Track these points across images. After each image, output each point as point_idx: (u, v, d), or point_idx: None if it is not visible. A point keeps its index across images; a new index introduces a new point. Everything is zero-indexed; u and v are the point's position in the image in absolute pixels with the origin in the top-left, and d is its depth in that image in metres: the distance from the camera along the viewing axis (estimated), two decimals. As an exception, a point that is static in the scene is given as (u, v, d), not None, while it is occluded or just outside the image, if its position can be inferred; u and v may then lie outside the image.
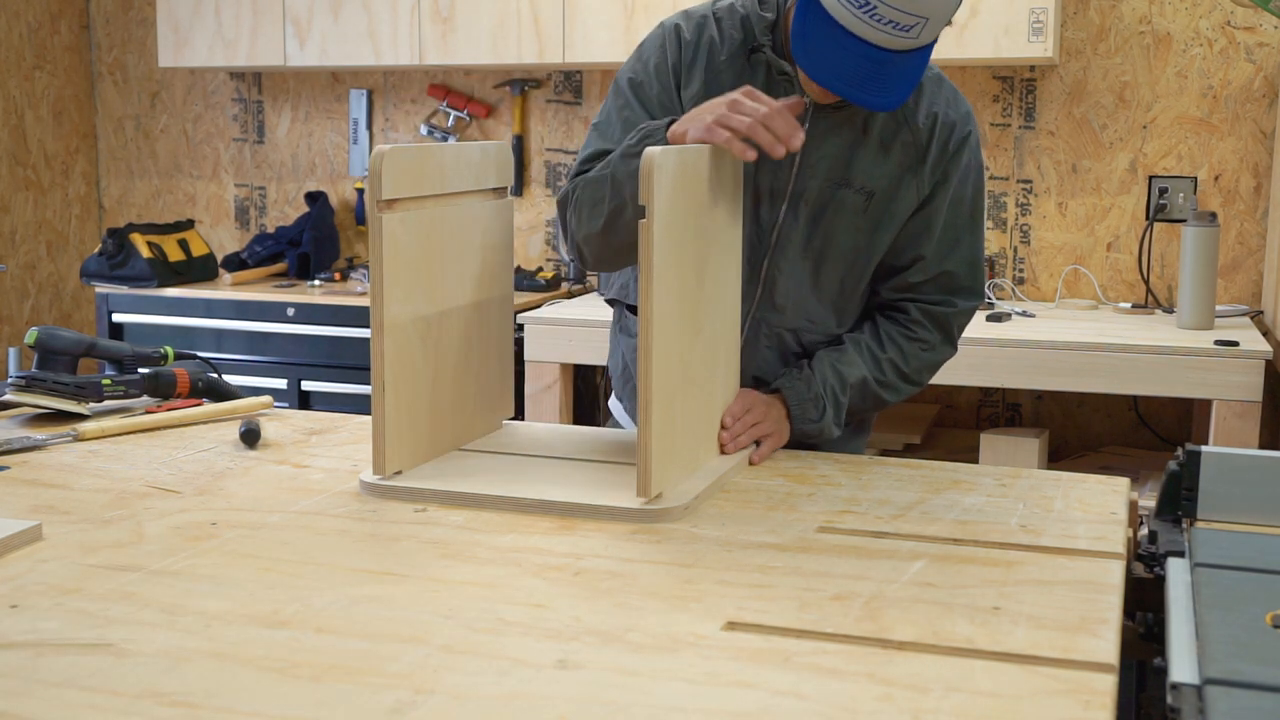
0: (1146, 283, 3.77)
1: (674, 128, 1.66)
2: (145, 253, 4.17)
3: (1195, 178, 3.73)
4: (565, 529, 1.51)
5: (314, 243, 4.39)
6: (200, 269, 4.35)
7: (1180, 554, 1.42)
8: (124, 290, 4.19)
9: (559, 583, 1.33)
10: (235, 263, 4.40)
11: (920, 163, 1.85)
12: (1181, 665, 1.10)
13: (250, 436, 1.87)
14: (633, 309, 1.98)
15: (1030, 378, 3.23)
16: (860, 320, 1.96)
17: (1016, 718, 1.03)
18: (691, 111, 1.67)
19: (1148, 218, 3.78)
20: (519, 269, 4.20)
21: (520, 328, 3.55)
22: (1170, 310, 3.63)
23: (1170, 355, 3.12)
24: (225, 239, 4.80)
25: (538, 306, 3.77)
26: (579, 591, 1.30)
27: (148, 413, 2.02)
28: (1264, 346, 3.11)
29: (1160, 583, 1.38)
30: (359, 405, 3.76)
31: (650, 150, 1.48)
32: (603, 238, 1.77)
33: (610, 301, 2.07)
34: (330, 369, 3.99)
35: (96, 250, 4.23)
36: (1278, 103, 3.64)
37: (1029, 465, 3.37)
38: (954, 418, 4.00)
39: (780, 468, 1.78)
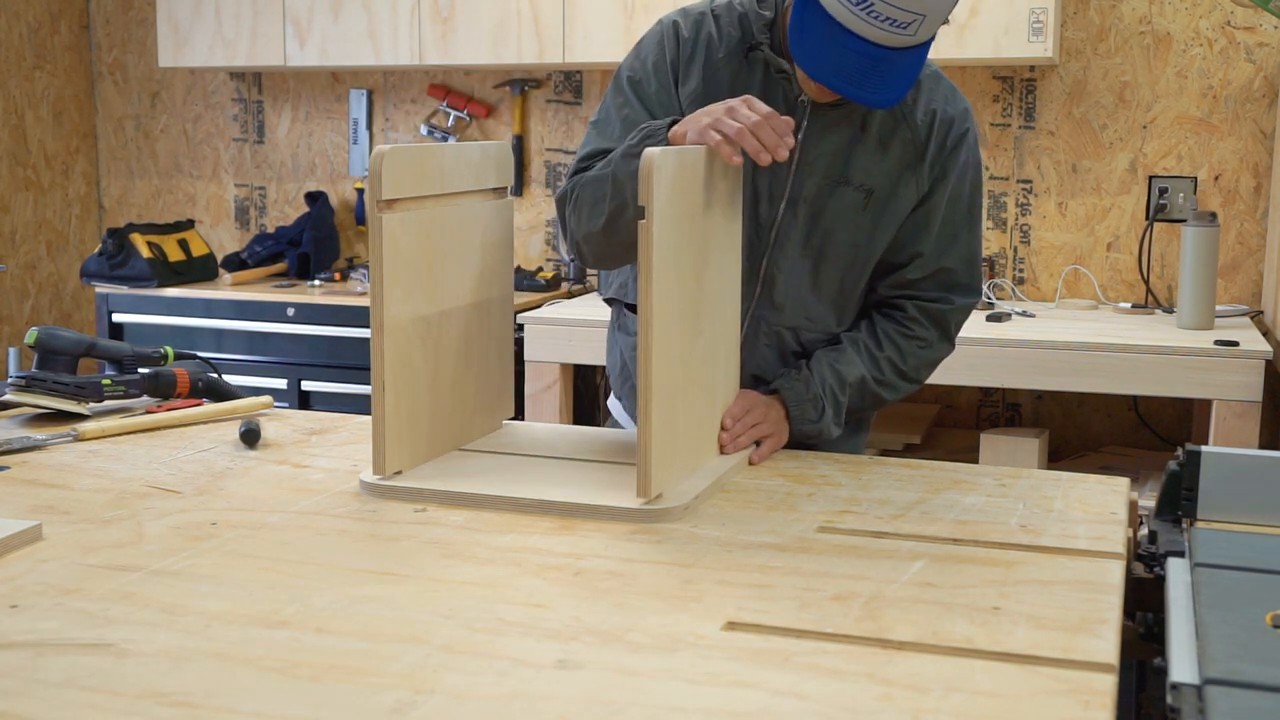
0: (1146, 283, 3.77)
1: (675, 129, 1.66)
2: (145, 253, 4.17)
3: (1195, 178, 3.73)
4: (565, 529, 1.51)
5: (314, 243, 4.39)
6: (200, 269, 4.34)
7: (1180, 554, 1.42)
8: (124, 290, 4.19)
9: (559, 583, 1.33)
10: (235, 263, 4.40)
11: (919, 159, 1.85)
12: (1181, 665, 1.10)
13: (250, 436, 1.87)
14: (631, 308, 1.99)
15: (1030, 378, 3.23)
16: (858, 319, 1.96)
17: (1016, 718, 1.03)
18: (692, 113, 1.67)
19: (1148, 218, 3.78)
20: (519, 269, 4.20)
21: (520, 328, 3.55)
22: (1170, 310, 3.63)
23: (1170, 355, 3.12)
24: (225, 239, 4.80)
25: (538, 306, 3.77)
26: (579, 591, 1.30)
27: (148, 413, 2.02)
28: (1264, 346, 3.11)
29: (1160, 583, 1.38)
30: (359, 405, 3.76)
31: (650, 151, 1.48)
32: (604, 236, 1.77)
33: (608, 301, 2.07)
34: (330, 369, 3.99)
35: (96, 250, 4.23)
36: (1278, 103, 3.64)
37: (1029, 465, 3.37)
38: (954, 418, 4.00)
39: (780, 468, 1.78)
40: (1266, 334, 3.38)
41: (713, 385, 1.74)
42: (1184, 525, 1.54)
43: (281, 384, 4.02)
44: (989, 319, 3.46)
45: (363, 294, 4.04)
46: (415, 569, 1.37)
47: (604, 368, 2.14)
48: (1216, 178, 3.73)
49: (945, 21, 1.71)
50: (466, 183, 1.78)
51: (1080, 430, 3.91)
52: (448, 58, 4.04)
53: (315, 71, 4.55)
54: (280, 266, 4.44)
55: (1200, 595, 1.27)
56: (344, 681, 1.08)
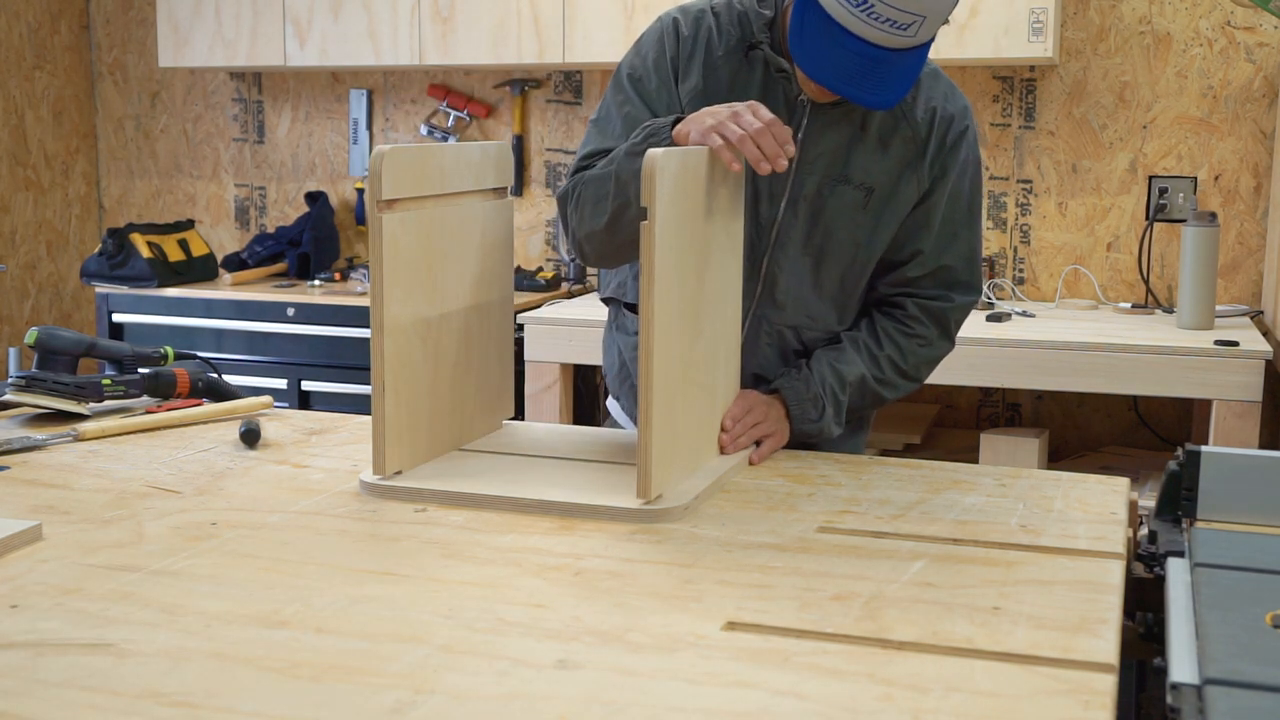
0: (1146, 283, 3.77)
1: (679, 128, 1.66)
2: (145, 253, 4.17)
3: (1195, 178, 3.73)
4: (565, 529, 1.51)
5: (314, 243, 4.39)
6: (200, 269, 4.34)
7: (1180, 554, 1.42)
8: (124, 290, 4.19)
9: (559, 583, 1.33)
10: (235, 263, 4.40)
11: (920, 157, 1.85)
12: (1181, 665, 1.10)
13: (250, 436, 1.87)
14: (630, 307, 1.99)
15: (1030, 378, 3.23)
16: (858, 318, 1.96)
17: (1016, 718, 1.03)
18: (697, 113, 1.67)
19: (1148, 218, 3.78)
20: (519, 269, 4.20)
21: (520, 328, 3.55)
22: (1170, 310, 3.63)
23: (1170, 355, 3.12)
24: (225, 239, 4.80)
25: (538, 306, 3.77)
26: (579, 591, 1.30)
27: (148, 413, 2.02)
28: (1264, 346, 3.11)
29: (1160, 583, 1.38)
30: (359, 405, 3.76)
31: (652, 151, 1.48)
32: (606, 235, 1.77)
33: (606, 301, 2.07)
34: (330, 369, 3.99)
35: (96, 250, 4.23)
36: (1278, 103, 3.64)
37: (1029, 465, 3.37)
38: (954, 418, 4.00)
39: (780, 468, 1.78)
40: (1266, 334, 3.38)
41: (713, 386, 1.74)
42: (1184, 525, 1.54)
43: (281, 384, 4.02)
44: (989, 319, 3.46)
45: (363, 294, 4.04)
46: (415, 569, 1.37)
47: (602, 367, 2.13)
48: (1216, 178, 3.73)
49: (945, 22, 1.71)
50: (466, 183, 1.78)
51: (1080, 430, 3.91)
52: (448, 58, 4.04)
53: (315, 71, 4.55)
54: (280, 266, 4.44)
55: (1200, 595, 1.27)
56: (344, 681, 1.08)
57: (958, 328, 1.96)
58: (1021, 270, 3.93)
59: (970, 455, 3.49)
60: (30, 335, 2.16)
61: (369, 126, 4.56)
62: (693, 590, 1.31)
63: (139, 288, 4.17)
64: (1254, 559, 1.39)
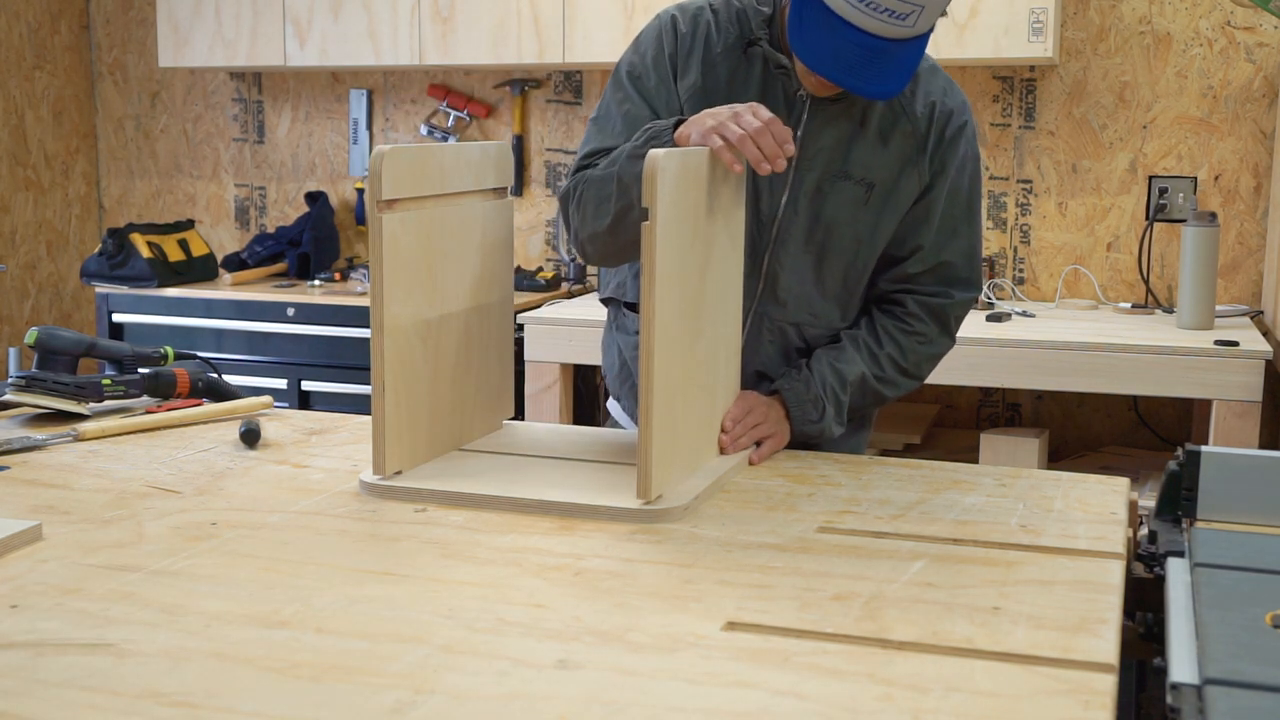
0: (1146, 283, 3.77)
1: (680, 130, 1.66)
2: (145, 253, 4.17)
3: (1195, 178, 3.73)
4: (565, 529, 1.51)
5: (314, 243, 4.39)
6: (200, 269, 4.34)
7: (1180, 554, 1.42)
8: (124, 290, 4.19)
9: (559, 583, 1.33)
10: (235, 263, 4.40)
11: (920, 151, 1.86)
12: (1181, 665, 1.10)
13: (250, 436, 1.87)
14: (630, 306, 1.99)
15: (1030, 378, 3.23)
16: (857, 316, 1.96)
17: (1016, 718, 1.03)
18: (698, 114, 1.67)
19: (1148, 218, 3.78)
20: (519, 269, 4.20)
21: (520, 328, 3.55)
22: (1170, 310, 3.63)
23: (1170, 355, 3.12)
24: (225, 239, 4.80)
25: (538, 306, 3.77)
26: (579, 591, 1.30)
27: (148, 413, 2.02)
28: (1264, 346, 3.11)
29: (1160, 583, 1.38)
30: (359, 405, 3.76)
31: (653, 152, 1.48)
32: (609, 236, 1.78)
33: (605, 301, 2.07)
34: (330, 369, 3.99)
35: (96, 250, 4.23)
36: (1278, 103, 3.64)
37: (1029, 465, 3.37)
38: (954, 418, 4.00)
39: (780, 468, 1.78)
40: (1266, 334, 3.38)
41: (713, 386, 1.74)
42: (1184, 525, 1.54)
43: (281, 384, 4.02)
44: (989, 319, 3.46)
45: (363, 294, 4.04)
46: (415, 569, 1.37)
47: (601, 367, 2.13)
48: (1216, 178, 3.73)
49: (943, 14, 1.71)
50: (466, 183, 1.78)
51: (1080, 430, 3.91)
52: (448, 58, 4.04)
53: (315, 71, 4.55)
54: (280, 266, 4.44)
55: (1200, 595, 1.27)
56: (344, 681, 1.08)
57: (958, 324, 1.96)
58: (1021, 270, 3.92)
59: (970, 455, 3.49)
60: (30, 335, 2.16)
61: (369, 126, 4.56)
62: (693, 590, 1.31)
63: (139, 288, 4.17)
64: (1254, 559, 1.39)
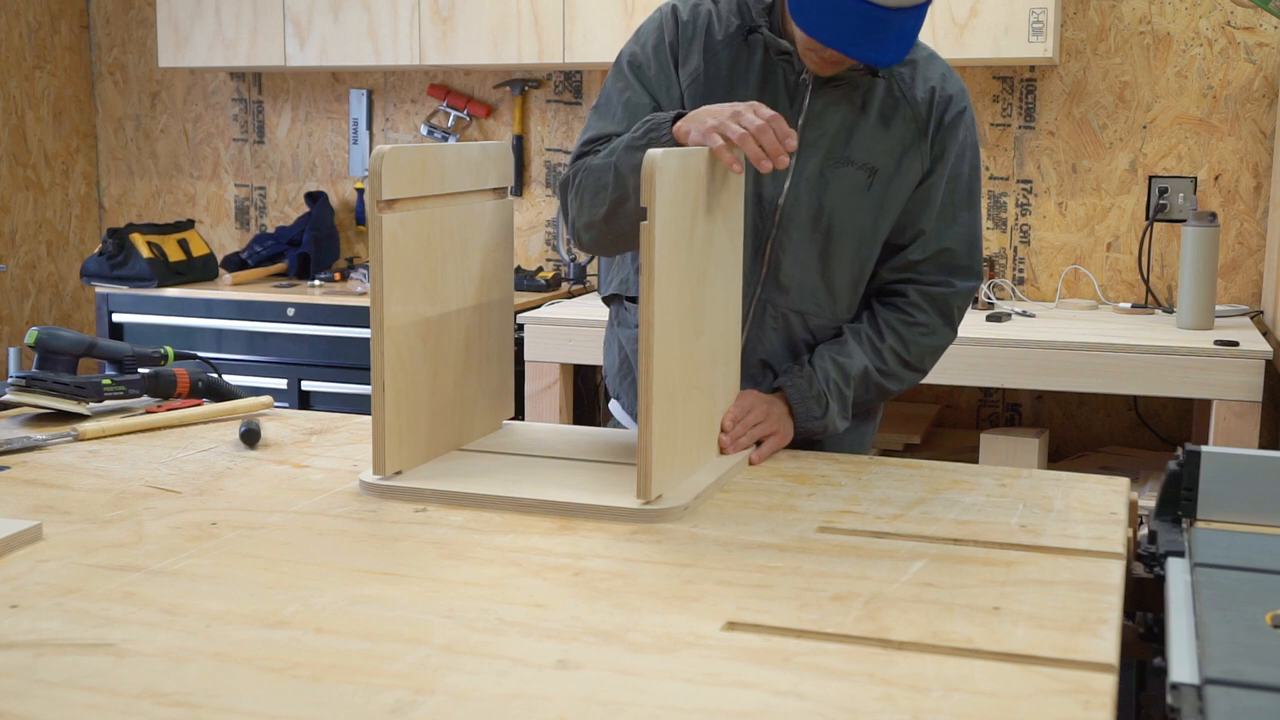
0: (1146, 283, 3.77)
1: (679, 125, 1.66)
2: (145, 253, 4.17)
3: (1195, 178, 3.73)
4: (565, 529, 1.51)
5: (314, 243, 4.39)
6: (200, 269, 4.34)
7: (1180, 554, 1.42)
8: (124, 290, 4.19)
9: (559, 583, 1.33)
10: (235, 263, 4.40)
11: (921, 136, 1.87)
12: (1181, 665, 1.10)
13: (250, 436, 1.87)
14: (633, 299, 1.99)
15: (1030, 378, 3.23)
16: (859, 310, 1.96)
17: (1016, 718, 1.03)
18: (697, 111, 1.68)
19: (1148, 218, 3.78)
20: (519, 269, 4.20)
21: (520, 328, 3.55)
22: (1170, 310, 3.63)
23: (1170, 355, 3.12)
24: (225, 239, 4.80)
25: (538, 306, 3.77)
26: (579, 591, 1.30)
27: (148, 413, 2.02)
28: (1264, 346, 3.11)
29: (1160, 583, 1.38)
30: (359, 405, 3.76)
31: (652, 152, 1.49)
32: (605, 225, 1.78)
33: (608, 300, 2.07)
34: (330, 369, 3.99)
35: (96, 250, 4.23)
36: (1278, 103, 3.64)
37: (1029, 465, 3.37)
38: (954, 418, 4.00)
39: (780, 468, 1.78)
40: (1266, 334, 3.38)
41: (713, 386, 1.74)
42: (1184, 525, 1.54)
43: (281, 384, 4.02)
44: (989, 319, 3.46)
45: (363, 294, 4.05)
46: (415, 569, 1.37)
47: (603, 367, 2.14)
48: (1216, 178, 3.73)
49: None
50: (466, 183, 1.78)
51: (1080, 430, 3.91)
52: (448, 58, 4.04)
53: (315, 71, 4.55)
54: (280, 266, 4.44)
55: (1200, 595, 1.27)
56: (344, 681, 1.08)
57: (960, 315, 1.96)
58: (1021, 270, 3.92)
59: (970, 455, 3.49)
60: (30, 335, 2.16)
61: (369, 126, 4.56)
62: (693, 590, 1.31)
63: (139, 288, 4.17)
64: (1254, 559, 1.39)
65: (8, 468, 1.76)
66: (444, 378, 1.77)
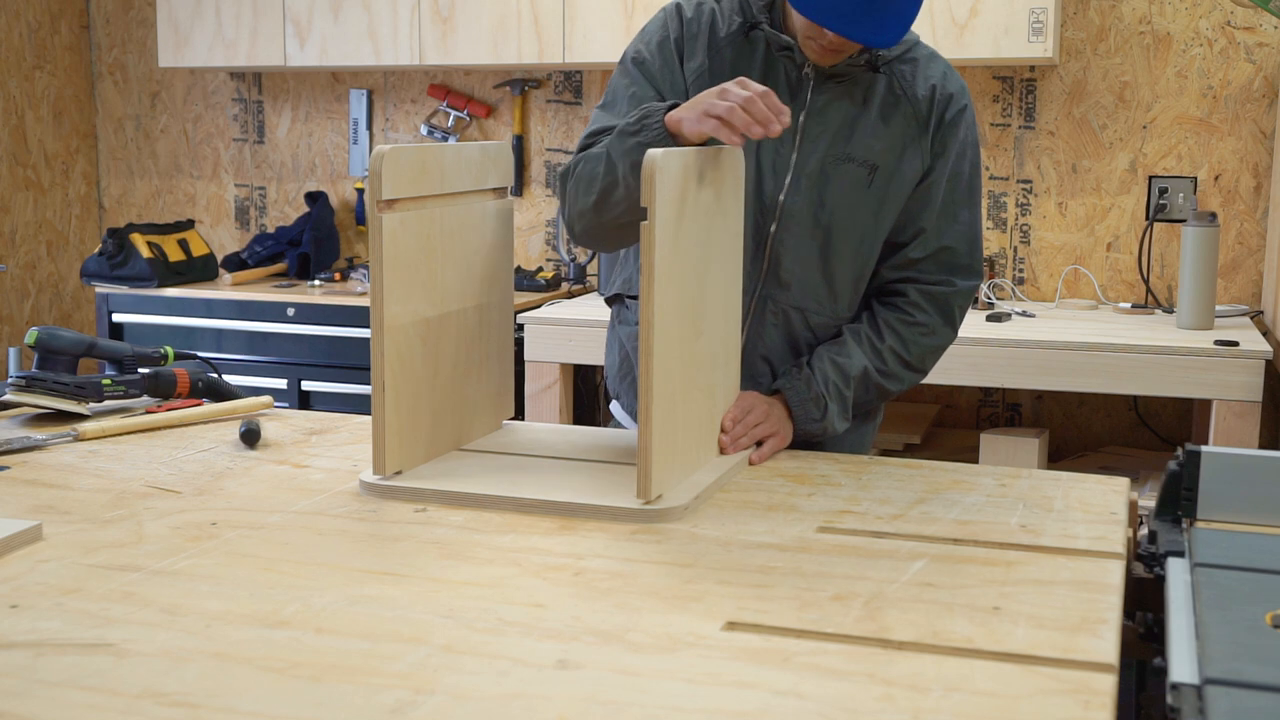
0: (1146, 283, 3.77)
1: (672, 114, 1.66)
2: (145, 253, 4.17)
3: (1195, 178, 3.73)
4: (565, 529, 1.51)
5: (314, 243, 4.39)
6: (200, 269, 4.34)
7: (1180, 554, 1.42)
8: (124, 290, 4.19)
9: (559, 583, 1.33)
10: (235, 263, 4.40)
11: (922, 133, 1.87)
12: (1181, 665, 1.10)
13: (250, 436, 1.87)
14: (635, 297, 1.99)
15: (1030, 378, 3.23)
16: (859, 310, 1.96)
17: (1016, 718, 1.03)
18: (690, 100, 1.68)
19: (1148, 218, 3.78)
20: (519, 269, 4.20)
21: (520, 328, 3.55)
22: (1170, 310, 3.63)
23: (1170, 355, 3.12)
24: (225, 239, 4.80)
25: (538, 306, 3.77)
26: (579, 591, 1.30)
27: (148, 413, 2.02)
28: (1264, 346, 3.11)
29: (1160, 583, 1.38)
30: (359, 405, 3.76)
31: (652, 152, 1.49)
32: (594, 214, 1.78)
33: (610, 300, 2.07)
34: (330, 369, 3.99)
35: (96, 250, 4.23)
36: (1278, 103, 3.64)
37: (1029, 465, 3.37)
38: (954, 418, 4.00)
39: (780, 468, 1.78)
40: (1266, 334, 3.38)
41: (713, 386, 1.74)
42: (1184, 525, 1.54)
43: (281, 384, 4.02)
44: (989, 319, 3.46)
45: (363, 294, 4.05)
46: (415, 569, 1.37)
47: (604, 367, 2.14)
48: (1216, 178, 3.73)
49: None
50: (466, 183, 1.78)
51: (1080, 430, 3.91)
52: (448, 58, 4.04)
53: (315, 71, 4.55)
54: (280, 266, 4.44)
55: (1200, 595, 1.27)
56: (344, 681, 1.08)
57: (961, 315, 1.96)
58: (1021, 270, 3.92)
59: (970, 455, 3.49)
60: (30, 335, 2.16)
61: (369, 126, 4.56)
62: (693, 590, 1.31)
63: (139, 288, 4.17)
64: (1254, 559, 1.39)
65: (8, 468, 1.76)
66: (444, 378, 1.77)
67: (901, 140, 1.86)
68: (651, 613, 1.25)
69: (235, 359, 4.04)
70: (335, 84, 4.60)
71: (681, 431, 1.63)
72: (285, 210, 4.72)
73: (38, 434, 1.91)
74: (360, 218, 4.60)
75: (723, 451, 1.77)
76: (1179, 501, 1.56)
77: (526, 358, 3.57)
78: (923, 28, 3.38)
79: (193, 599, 1.27)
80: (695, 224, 1.62)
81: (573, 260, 4.22)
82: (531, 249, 4.42)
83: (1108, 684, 1.09)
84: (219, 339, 4.10)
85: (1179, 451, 1.58)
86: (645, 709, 1.04)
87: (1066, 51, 3.79)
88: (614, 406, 2.13)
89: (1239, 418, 3.07)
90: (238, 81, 4.71)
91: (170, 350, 2.22)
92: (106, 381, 2.05)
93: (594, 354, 3.47)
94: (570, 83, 4.32)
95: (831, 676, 1.10)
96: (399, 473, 1.67)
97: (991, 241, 3.93)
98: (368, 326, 1.66)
